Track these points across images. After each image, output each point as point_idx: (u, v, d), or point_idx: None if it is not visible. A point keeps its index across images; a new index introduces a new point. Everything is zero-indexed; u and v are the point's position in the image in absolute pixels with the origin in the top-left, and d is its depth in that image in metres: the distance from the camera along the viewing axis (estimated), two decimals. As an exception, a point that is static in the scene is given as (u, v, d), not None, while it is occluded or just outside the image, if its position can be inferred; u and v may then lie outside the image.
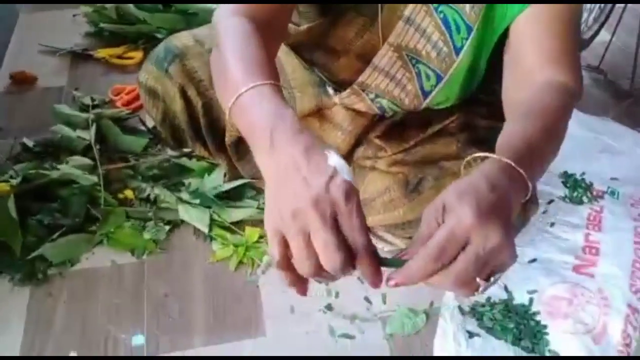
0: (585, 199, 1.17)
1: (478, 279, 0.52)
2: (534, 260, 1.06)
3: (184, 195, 1.13)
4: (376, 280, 0.53)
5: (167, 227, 1.11)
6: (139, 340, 0.95)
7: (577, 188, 1.18)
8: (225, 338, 0.96)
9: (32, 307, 0.99)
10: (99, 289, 1.02)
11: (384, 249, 1.09)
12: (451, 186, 0.54)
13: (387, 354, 0.95)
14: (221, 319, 0.99)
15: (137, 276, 1.05)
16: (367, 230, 0.52)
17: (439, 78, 0.88)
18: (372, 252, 0.52)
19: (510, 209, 0.55)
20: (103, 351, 0.93)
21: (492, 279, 0.53)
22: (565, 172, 1.21)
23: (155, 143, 1.25)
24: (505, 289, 1.01)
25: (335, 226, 0.51)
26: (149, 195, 1.13)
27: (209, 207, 1.11)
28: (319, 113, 1.03)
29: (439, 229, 0.52)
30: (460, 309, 0.97)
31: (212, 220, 1.10)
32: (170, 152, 1.23)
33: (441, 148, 0.99)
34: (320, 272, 0.52)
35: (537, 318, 0.97)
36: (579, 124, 1.30)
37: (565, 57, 0.74)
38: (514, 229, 0.57)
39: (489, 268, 0.52)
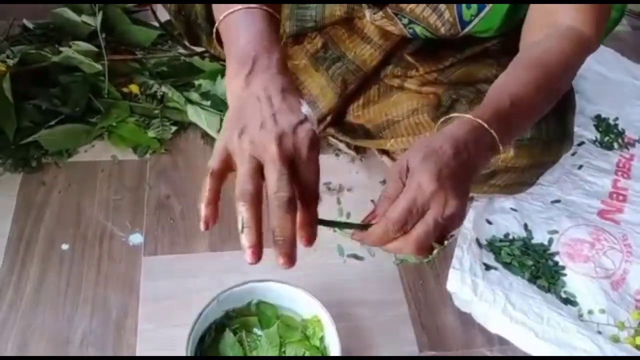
0: (616, 145, 1.11)
1: (433, 243, 0.54)
2: (557, 201, 1.01)
3: (194, 96, 1.05)
4: (309, 237, 0.52)
5: (174, 128, 1.03)
6: (136, 239, 0.89)
7: (609, 133, 1.12)
8: (228, 246, 0.90)
9: (23, 194, 0.93)
10: (97, 183, 0.96)
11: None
12: (418, 143, 0.56)
13: (396, 278, 0.91)
14: (226, 226, 0.92)
15: (138, 174, 0.98)
16: (318, 186, 0.52)
17: (480, 7, 0.80)
18: (315, 215, 0.52)
19: (473, 173, 0.56)
20: (98, 247, 0.88)
21: (445, 242, 0.55)
22: (599, 116, 1.15)
23: (166, 40, 1.16)
24: (525, 227, 0.96)
25: (289, 163, 0.50)
26: (155, 92, 1.05)
27: (220, 111, 1.03)
28: (348, 23, 0.95)
29: (400, 196, 0.53)
30: (478, 241, 0.92)
31: (222, 125, 1.03)
32: (180, 50, 1.14)
33: (480, 70, 0.92)
34: (256, 203, 0.49)
35: (556, 259, 0.93)
36: (618, 68, 1.23)
37: (591, 6, 0.69)
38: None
39: (445, 233, 0.54)
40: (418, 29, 0.86)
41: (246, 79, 0.54)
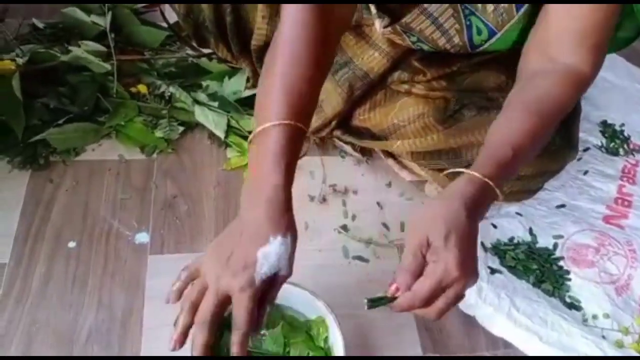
0: (621, 150, 1.11)
1: None
2: (562, 205, 1.01)
3: (201, 97, 1.05)
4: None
5: (181, 128, 1.04)
6: (143, 237, 0.90)
7: (615, 139, 1.12)
8: (234, 246, 0.91)
9: (31, 191, 0.93)
10: (104, 181, 0.96)
11: (406, 178, 1.04)
12: (434, 217, 0.61)
13: (401, 281, 0.91)
14: (231, 226, 0.94)
15: (145, 174, 0.98)
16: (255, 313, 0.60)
17: (491, 33, 0.80)
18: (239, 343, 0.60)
19: (478, 227, 0.63)
20: (104, 244, 0.88)
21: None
22: (605, 122, 1.15)
23: (174, 40, 1.16)
24: (530, 231, 0.97)
25: (223, 300, 0.60)
26: (163, 92, 1.05)
27: (227, 112, 1.04)
28: (356, 29, 0.95)
29: (427, 276, 0.59)
30: (483, 245, 0.93)
31: (229, 126, 1.03)
32: (188, 52, 1.14)
33: (488, 77, 0.92)
34: (192, 313, 0.61)
35: (560, 263, 0.93)
36: (624, 74, 1.23)
37: (592, 40, 0.71)
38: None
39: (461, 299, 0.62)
40: (426, 47, 0.86)
41: (244, 209, 0.64)
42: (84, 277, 0.84)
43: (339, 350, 0.74)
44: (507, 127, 0.69)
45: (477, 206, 0.62)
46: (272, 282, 0.61)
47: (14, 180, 0.94)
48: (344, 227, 0.97)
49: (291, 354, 0.76)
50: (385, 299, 0.62)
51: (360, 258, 0.94)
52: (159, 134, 1.02)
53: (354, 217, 0.99)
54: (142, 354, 0.78)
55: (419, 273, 0.60)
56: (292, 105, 0.64)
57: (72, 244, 0.88)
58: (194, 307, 0.60)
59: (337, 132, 1.05)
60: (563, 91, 0.71)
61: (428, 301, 0.60)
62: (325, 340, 0.78)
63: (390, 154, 1.03)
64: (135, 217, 0.92)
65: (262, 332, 0.78)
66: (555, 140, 0.85)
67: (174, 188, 0.97)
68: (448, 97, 0.91)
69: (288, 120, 0.63)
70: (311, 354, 0.77)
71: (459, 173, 0.65)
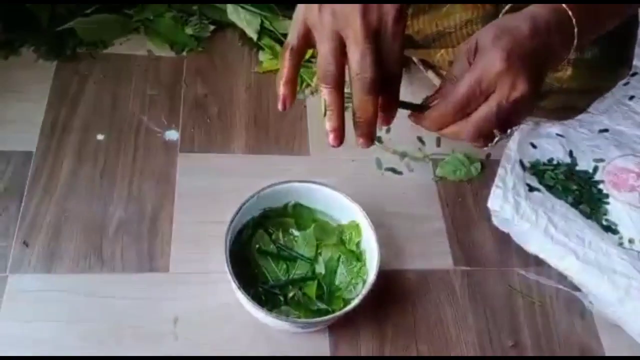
0: (671, 77, 1.06)
1: (495, 130, 0.50)
2: (605, 130, 0.97)
3: (234, -5, 1.00)
4: (388, 118, 0.51)
5: (212, 27, 0.99)
6: (172, 135, 0.87)
7: (665, 65, 1.07)
8: (266, 149, 0.88)
9: (58, 82, 0.90)
10: (132, 77, 0.93)
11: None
12: (492, 23, 0.50)
13: (434, 194, 0.89)
14: (263, 130, 0.91)
15: (174, 71, 0.95)
16: (402, 61, 0.49)
17: None
18: (397, 96, 0.50)
19: (549, 60, 0.51)
20: (134, 139, 0.86)
21: (508, 131, 0.51)
22: (656, 46, 1.09)
23: None
24: (570, 154, 0.93)
25: (375, 43, 0.47)
26: (194, -14, 1.00)
27: (260, 12, 0.98)
28: None
29: (465, 75, 0.48)
30: (522, 163, 0.90)
31: (262, 27, 0.98)
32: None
33: None
34: (339, 86, 0.47)
35: (600, 186, 0.90)
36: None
37: None
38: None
39: (510, 119, 0.50)
40: None
41: None
42: (113, 170, 0.83)
43: (372, 253, 0.73)
44: None
45: (547, 27, 0.50)
46: None
47: (40, 70, 0.91)
48: (378, 139, 0.94)
49: (322, 256, 0.76)
50: (415, 105, 0.52)
51: (393, 170, 0.91)
52: (189, 31, 0.97)
53: (388, 130, 0.95)
54: (171, 249, 0.77)
55: None
56: None
57: (100, 137, 0.85)
58: (339, 79, 0.48)
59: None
60: None
61: (463, 108, 0.49)
62: (358, 244, 0.77)
63: (430, 66, 0.99)
64: (165, 115, 0.89)
65: (295, 233, 0.77)
66: (611, 53, 0.80)
67: (204, 87, 0.94)
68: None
69: None
70: (342, 257, 0.76)
71: None
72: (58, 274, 0.73)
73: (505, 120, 0.49)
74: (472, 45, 0.50)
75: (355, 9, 0.46)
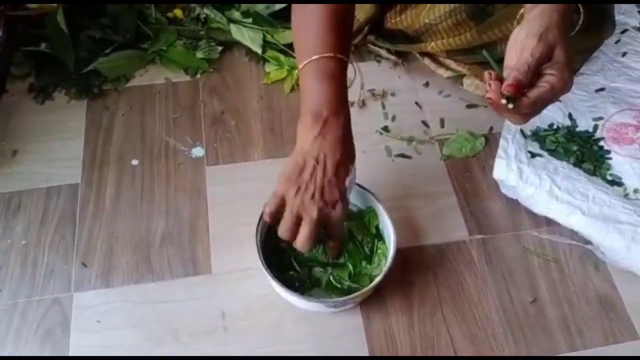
0: (661, 29, 1.09)
1: None
2: (601, 89, 1.02)
3: (235, 15, 1.08)
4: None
5: (220, 48, 1.07)
6: (198, 152, 0.96)
7: (654, 18, 1.10)
8: (283, 152, 0.96)
9: (91, 118, 1.00)
10: (155, 104, 1.02)
11: (444, 75, 1.05)
12: (546, 28, 0.65)
13: (444, 172, 0.95)
14: (278, 135, 0.99)
15: (192, 93, 1.04)
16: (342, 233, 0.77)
17: None
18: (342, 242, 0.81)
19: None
20: (164, 160, 0.95)
21: None
22: (644, 1, 1.13)
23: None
24: (570, 117, 0.98)
25: (321, 226, 0.70)
26: (198, 14, 1.08)
27: (262, 28, 1.07)
28: None
29: (561, 69, 0.64)
30: (522, 132, 0.95)
31: (265, 41, 1.06)
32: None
33: None
34: (291, 238, 0.70)
35: (601, 144, 0.95)
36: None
37: None
38: None
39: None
40: None
41: (314, 140, 0.69)
42: (151, 190, 0.92)
43: (389, 233, 0.80)
44: None
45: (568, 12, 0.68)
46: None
47: (74, 110, 1.01)
48: (385, 128, 1.01)
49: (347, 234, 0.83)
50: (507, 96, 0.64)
51: (402, 155, 0.98)
52: (199, 55, 1.06)
53: (393, 118, 1.02)
54: (211, 253, 0.86)
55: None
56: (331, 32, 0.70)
57: (135, 162, 0.95)
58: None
59: (371, 37, 1.06)
60: None
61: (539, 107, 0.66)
62: (377, 228, 0.84)
63: (426, 53, 1.05)
64: (189, 134, 0.98)
65: None
66: (594, 15, 0.85)
67: (220, 104, 1.02)
68: None
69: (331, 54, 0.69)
70: (364, 240, 0.83)
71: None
72: (115, 287, 0.82)
73: None
74: (543, 51, 0.64)
75: (315, 208, 0.68)
